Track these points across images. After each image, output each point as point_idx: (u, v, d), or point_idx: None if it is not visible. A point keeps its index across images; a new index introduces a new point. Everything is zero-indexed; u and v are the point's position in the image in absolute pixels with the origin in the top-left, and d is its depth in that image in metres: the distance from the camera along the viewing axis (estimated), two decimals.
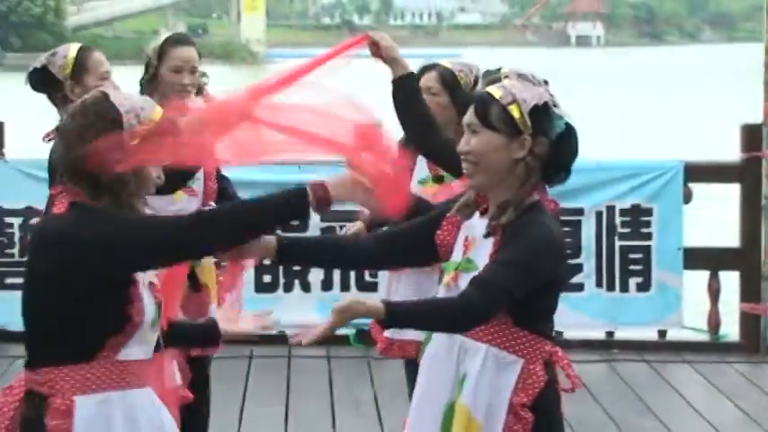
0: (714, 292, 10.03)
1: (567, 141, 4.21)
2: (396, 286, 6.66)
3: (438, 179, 6.58)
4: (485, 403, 4.19)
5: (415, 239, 4.49)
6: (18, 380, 4.08)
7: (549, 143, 4.16)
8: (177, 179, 5.95)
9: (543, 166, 4.20)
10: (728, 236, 10.06)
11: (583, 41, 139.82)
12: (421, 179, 6.61)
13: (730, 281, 10.05)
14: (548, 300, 4.26)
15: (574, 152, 4.25)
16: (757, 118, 9.75)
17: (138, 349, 4.07)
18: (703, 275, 10.04)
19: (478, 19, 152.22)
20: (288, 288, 9.70)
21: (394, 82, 5.67)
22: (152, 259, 4.03)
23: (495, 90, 4.22)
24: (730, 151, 9.75)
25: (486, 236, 4.20)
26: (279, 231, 4.54)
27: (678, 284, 9.69)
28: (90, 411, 3.98)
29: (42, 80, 5.81)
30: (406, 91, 5.67)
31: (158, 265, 4.12)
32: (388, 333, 6.53)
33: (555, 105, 4.21)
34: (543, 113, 4.16)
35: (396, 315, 4.07)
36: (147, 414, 4.12)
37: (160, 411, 4.21)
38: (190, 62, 6.37)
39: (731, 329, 10.10)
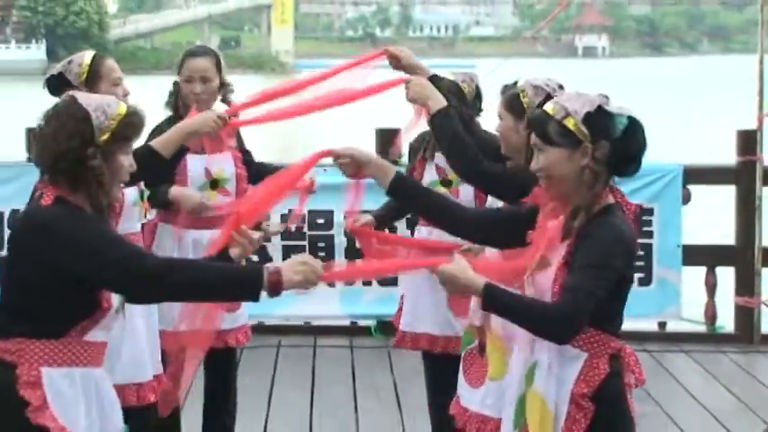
0: (711, 286, 10.02)
1: (632, 135, 4.15)
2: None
3: (446, 183, 6.60)
4: (553, 393, 4.18)
5: (511, 229, 4.49)
6: None
7: (611, 143, 4.10)
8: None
9: (610, 165, 4.15)
10: (724, 234, 10.03)
11: (589, 52, 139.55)
12: (431, 182, 6.56)
13: (726, 276, 10.03)
14: (614, 299, 4.17)
15: (641, 143, 4.17)
16: (752, 124, 9.73)
17: (101, 333, 4.18)
18: (701, 271, 10.02)
19: (492, 31, 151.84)
20: None
21: (430, 121, 5.40)
22: (106, 283, 4.05)
23: (549, 107, 4.19)
24: (726, 155, 9.72)
25: (562, 239, 4.19)
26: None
27: (677, 280, 9.67)
28: (57, 382, 4.06)
29: (59, 86, 5.73)
30: (444, 129, 5.37)
31: (107, 288, 4.11)
32: (402, 326, 6.65)
33: (609, 106, 4.15)
34: (598, 118, 4.11)
35: (492, 299, 4.07)
36: (98, 391, 4.21)
37: (108, 391, 4.30)
38: (200, 72, 6.38)
39: (726, 321, 10.07)
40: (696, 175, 9.66)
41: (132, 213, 5.88)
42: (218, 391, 6.79)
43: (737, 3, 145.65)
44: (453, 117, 5.39)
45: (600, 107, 4.12)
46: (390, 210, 6.63)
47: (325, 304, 9.61)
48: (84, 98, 4.15)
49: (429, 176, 6.62)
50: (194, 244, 6.37)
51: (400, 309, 6.79)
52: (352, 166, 4.73)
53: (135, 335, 5.81)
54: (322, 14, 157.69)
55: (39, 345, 4.05)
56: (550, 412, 4.17)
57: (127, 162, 4.18)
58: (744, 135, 9.84)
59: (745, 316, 9.90)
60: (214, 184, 6.50)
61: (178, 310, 5.08)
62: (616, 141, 4.12)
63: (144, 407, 5.85)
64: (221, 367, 6.71)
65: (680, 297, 9.61)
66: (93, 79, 5.77)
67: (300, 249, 9.56)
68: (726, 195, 10.00)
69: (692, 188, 9.64)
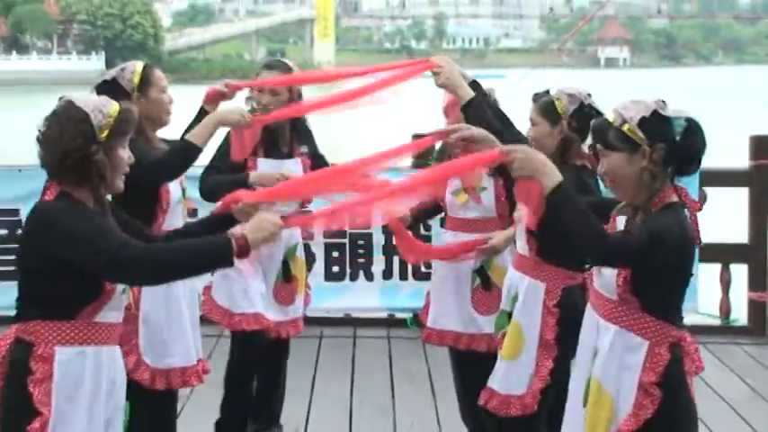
0: (725, 282, 9.98)
1: (691, 136, 4.14)
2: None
3: (467, 190, 6.41)
4: (614, 378, 4.19)
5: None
6: (9, 330, 4.24)
7: (668, 145, 4.10)
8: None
9: (669, 165, 4.15)
10: (738, 233, 9.98)
11: (611, 63, 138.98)
12: (455, 189, 6.42)
13: (740, 273, 9.98)
14: (672, 291, 4.22)
15: (700, 144, 4.17)
16: (764, 130, 9.70)
17: (111, 314, 4.29)
18: (716, 268, 9.96)
19: (520, 44, 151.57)
20: (353, 277, 9.70)
21: (463, 108, 5.42)
22: (99, 270, 4.14)
23: (609, 115, 4.23)
24: (740, 159, 9.67)
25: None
26: None
27: (694, 276, 9.62)
28: (67, 360, 4.17)
29: (111, 91, 5.72)
30: (478, 117, 5.31)
31: (101, 276, 4.19)
32: (428, 323, 6.60)
33: (665, 110, 4.14)
34: (654, 122, 4.11)
35: (565, 191, 4.09)
36: (107, 370, 4.30)
37: (118, 370, 4.40)
38: (268, 84, 6.37)
39: (740, 315, 10.03)
40: (711, 177, 9.61)
41: (176, 210, 5.88)
42: (270, 379, 6.82)
43: (750, 17, 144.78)
44: (485, 107, 5.41)
45: (655, 111, 4.12)
46: (425, 208, 6.60)
47: (365, 298, 9.65)
48: (81, 101, 4.25)
49: (453, 184, 6.39)
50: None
51: (427, 305, 6.71)
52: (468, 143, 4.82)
53: (180, 322, 5.84)
54: (362, 28, 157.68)
55: (52, 326, 4.18)
56: (608, 394, 4.19)
57: (126, 155, 4.31)
58: (756, 140, 9.80)
59: (758, 310, 9.85)
60: None
61: None
62: (674, 143, 4.11)
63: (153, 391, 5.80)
64: (274, 357, 6.78)
65: (696, 292, 9.55)
66: (144, 86, 5.80)
67: (341, 247, 9.61)
68: (739, 197, 9.94)
69: (708, 190, 9.59)
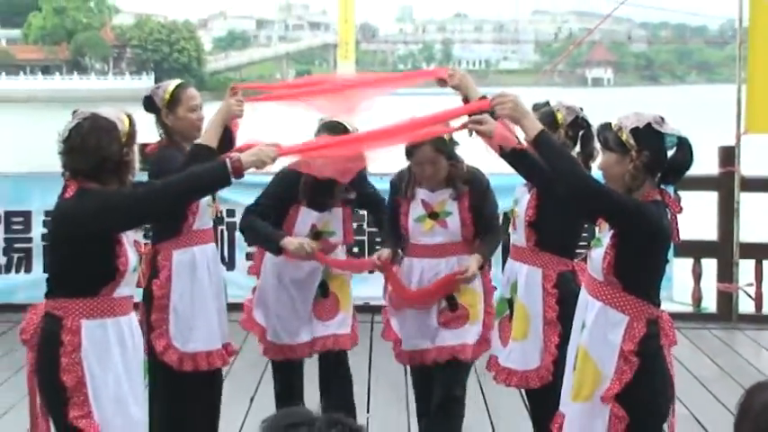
0: (697, 275, 9.98)
1: (679, 151, 4.23)
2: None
3: (433, 216, 5.72)
4: (598, 348, 4.23)
5: None
6: (40, 305, 4.43)
7: (653, 155, 4.17)
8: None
9: (653, 171, 4.22)
10: (708, 232, 9.95)
11: (597, 83, 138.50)
12: (418, 216, 5.75)
13: (710, 266, 9.96)
14: (649, 274, 4.29)
15: (688, 160, 4.25)
16: (731, 141, 9.65)
17: (126, 289, 4.45)
18: (689, 262, 9.95)
19: (517, 65, 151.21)
20: (371, 270, 9.63)
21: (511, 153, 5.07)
22: (127, 220, 4.40)
23: (612, 121, 4.27)
24: (710, 166, 9.64)
25: (608, 232, 4.28)
26: None
27: (669, 269, 9.60)
28: (92, 331, 4.34)
29: (148, 105, 5.77)
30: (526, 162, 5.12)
31: (133, 224, 4.48)
32: (404, 346, 6.01)
33: (661, 125, 4.20)
34: (645, 133, 4.16)
35: (544, 137, 4.31)
36: (127, 335, 4.46)
37: (135, 333, 4.55)
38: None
39: (710, 304, 10.01)
40: (685, 183, 9.53)
41: (206, 212, 5.83)
42: (332, 394, 6.33)
43: (719, 41, 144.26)
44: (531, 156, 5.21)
45: (649, 125, 4.18)
46: (398, 239, 5.96)
47: (379, 287, 9.59)
48: (104, 112, 4.40)
49: (415, 212, 5.73)
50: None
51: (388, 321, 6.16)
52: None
53: (205, 311, 5.78)
54: (378, 51, 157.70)
55: (78, 302, 4.34)
56: (595, 363, 4.24)
57: (135, 157, 4.56)
58: (724, 150, 9.77)
59: (725, 299, 9.85)
60: (317, 235, 6.00)
61: None
62: (661, 154, 4.19)
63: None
64: (329, 370, 6.35)
65: (672, 283, 9.53)
66: (173, 104, 5.72)
67: (359, 244, 9.55)
68: (710, 200, 9.91)
69: (682, 194, 9.52)
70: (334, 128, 5.70)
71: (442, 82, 5.27)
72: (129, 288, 4.47)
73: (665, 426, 4.32)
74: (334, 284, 6.18)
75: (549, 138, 4.31)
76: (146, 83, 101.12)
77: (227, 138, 5.55)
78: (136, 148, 4.50)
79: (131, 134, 4.39)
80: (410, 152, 5.54)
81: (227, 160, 4.41)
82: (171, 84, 5.81)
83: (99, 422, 4.29)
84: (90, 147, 4.28)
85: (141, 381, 4.58)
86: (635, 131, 4.15)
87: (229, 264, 9.65)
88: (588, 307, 4.30)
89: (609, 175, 4.26)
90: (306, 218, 5.97)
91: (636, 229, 4.13)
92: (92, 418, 4.28)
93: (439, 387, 5.80)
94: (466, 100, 5.07)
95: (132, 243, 4.48)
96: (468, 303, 5.75)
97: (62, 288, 4.37)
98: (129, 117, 4.43)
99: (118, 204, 4.32)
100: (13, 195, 9.77)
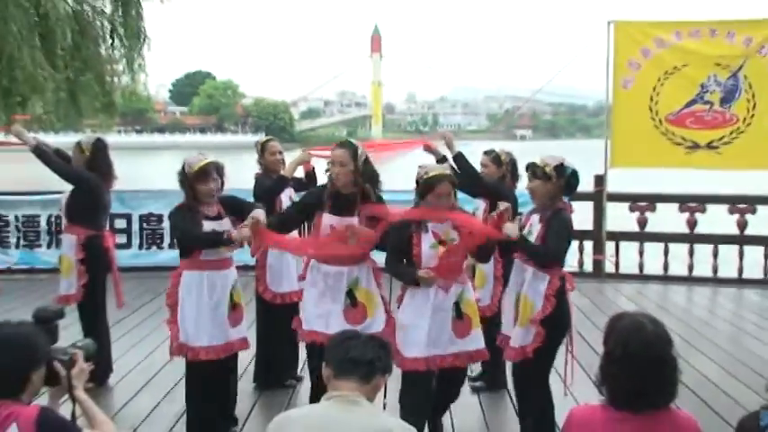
0: (581, 249, 9.82)
1: (573, 177, 4.17)
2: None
3: (442, 243, 4.17)
4: (532, 294, 4.15)
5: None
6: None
7: (563, 180, 4.13)
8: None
9: (562, 190, 4.15)
10: (587, 224, 9.87)
11: (523, 137, 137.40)
12: (431, 245, 4.16)
13: (588, 245, 9.84)
14: (563, 249, 4.20)
15: (577, 183, 4.19)
16: (601, 171, 9.58)
17: (211, 253, 4.40)
18: (576, 242, 9.81)
19: (476, 128, 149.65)
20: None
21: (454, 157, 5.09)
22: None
23: (537, 161, 4.18)
24: (589, 186, 9.56)
25: (540, 221, 4.17)
26: None
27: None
28: (189, 277, 4.42)
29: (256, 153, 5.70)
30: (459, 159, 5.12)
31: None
32: (416, 353, 4.22)
33: (566, 162, 4.16)
34: (559, 168, 4.13)
35: (522, 240, 4.11)
36: (218, 282, 4.44)
37: (225, 280, 4.47)
38: (338, 159, 4.36)
39: (588, 267, 9.88)
40: (575, 196, 9.39)
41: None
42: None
43: (595, 113, 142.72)
44: (464, 157, 5.18)
45: (561, 163, 4.16)
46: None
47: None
48: (188, 157, 4.49)
49: (427, 242, 4.17)
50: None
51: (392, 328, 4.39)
52: None
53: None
54: (395, 119, 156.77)
55: (184, 261, 4.46)
56: (530, 303, 4.15)
57: (204, 188, 4.47)
58: (597, 177, 9.66)
59: (598, 265, 9.71)
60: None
61: None
62: (566, 179, 4.14)
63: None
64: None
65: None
66: (262, 150, 5.60)
67: None
68: (588, 206, 9.85)
69: (573, 203, 9.36)
70: (345, 144, 4.45)
71: (428, 148, 5.25)
72: (213, 252, 4.39)
73: (566, 336, 4.22)
74: (360, 294, 4.40)
75: (526, 241, 4.10)
76: (258, 137, 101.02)
77: (313, 175, 5.57)
78: (201, 186, 4.45)
79: (196, 174, 4.38)
80: (431, 186, 4.18)
81: (224, 234, 4.32)
82: (263, 138, 5.68)
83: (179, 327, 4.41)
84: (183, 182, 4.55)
85: (224, 312, 4.44)
86: (555, 167, 4.11)
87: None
88: (526, 270, 4.20)
89: (537, 194, 4.15)
90: (328, 223, 4.38)
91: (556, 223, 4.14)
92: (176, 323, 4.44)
93: (447, 384, 4.47)
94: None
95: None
96: (470, 313, 4.34)
97: (181, 254, 4.51)
98: (206, 164, 4.41)
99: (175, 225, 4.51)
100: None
